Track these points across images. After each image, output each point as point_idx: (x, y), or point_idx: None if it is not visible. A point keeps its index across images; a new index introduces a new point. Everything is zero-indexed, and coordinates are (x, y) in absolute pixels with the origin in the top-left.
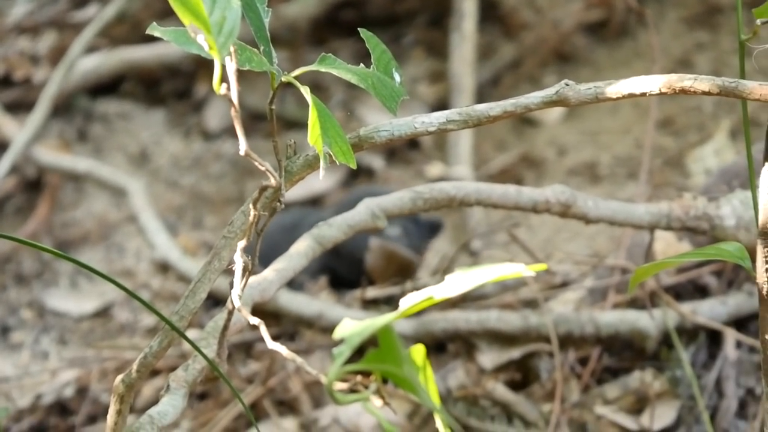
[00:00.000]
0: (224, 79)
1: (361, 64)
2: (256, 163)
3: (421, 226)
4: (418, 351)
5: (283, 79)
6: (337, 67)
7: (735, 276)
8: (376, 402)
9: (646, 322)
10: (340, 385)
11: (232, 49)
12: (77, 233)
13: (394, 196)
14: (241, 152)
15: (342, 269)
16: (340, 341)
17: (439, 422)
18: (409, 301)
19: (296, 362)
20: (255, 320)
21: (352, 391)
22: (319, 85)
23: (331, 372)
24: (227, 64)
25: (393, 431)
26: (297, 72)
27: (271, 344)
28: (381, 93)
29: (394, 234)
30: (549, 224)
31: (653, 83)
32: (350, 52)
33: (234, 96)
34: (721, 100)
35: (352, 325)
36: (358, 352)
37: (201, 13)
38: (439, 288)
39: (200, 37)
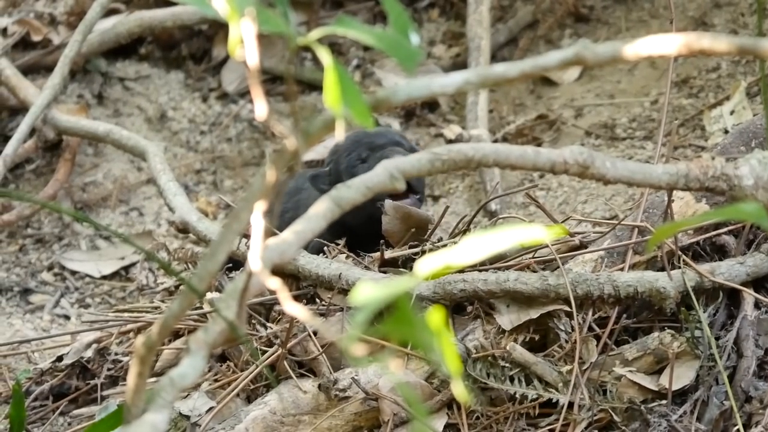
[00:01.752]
0: (242, 42)
1: (379, 26)
2: (274, 126)
3: None
4: (437, 314)
5: (301, 41)
6: (354, 29)
7: (754, 236)
8: (394, 366)
9: (665, 282)
10: (359, 348)
11: (250, 11)
12: (97, 195)
13: (412, 157)
14: (260, 116)
15: (360, 228)
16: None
17: (455, 388)
18: (426, 266)
19: (315, 326)
20: (274, 284)
21: (371, 354)
22: (336, 48)
23: (348, 338)
24: (245, 26)
25: (410, 394)
26: (315, 34)
27: (290, 308)
28: (398, 54)
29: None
30: (566, 185)
31: (671, 44)
32: (368, 14)
33: (253, 59)
34: (738, 59)
35: (370, 290)
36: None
37: None
38: (457, 254)
39: (218, 0)
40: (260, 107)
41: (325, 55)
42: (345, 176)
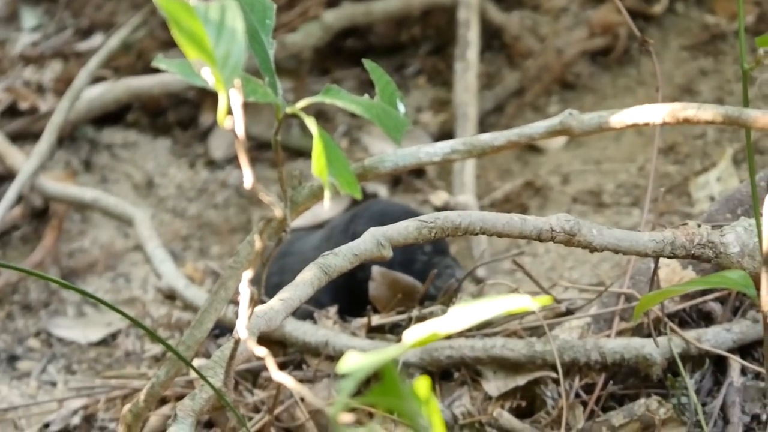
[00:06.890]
0: (229, 111)
1: (366, 95)
2: (262, 196)
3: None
4: (423, 383)
5: (288, 110)
6: (341, 99)
7: (740, 302)
8: None
9: (651, 349)
10: (346, 416)
11: (237, 82)
12: (84, 262)
13: (399, 225)
14: (247, 186)
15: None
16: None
17: None
18: (413, 335)
19: (302, 394)
20: (261, 352)
21: (359, 422)
22: (323, 114)
23: (335, 406)
24: (233, 96)
25: None
26: (302, 103)
27: (277, 376)
28: (385, 123)
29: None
30: (553, 252)
31: (657, 113)
32: (355, 80)
33: (240, 129)
34: (724, 126)
35: (357, 359)
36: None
37: (206, 47)
38: (444, 322)
39: (205, 70)
40: (247, 177)
41: (312, 125)
42: None
